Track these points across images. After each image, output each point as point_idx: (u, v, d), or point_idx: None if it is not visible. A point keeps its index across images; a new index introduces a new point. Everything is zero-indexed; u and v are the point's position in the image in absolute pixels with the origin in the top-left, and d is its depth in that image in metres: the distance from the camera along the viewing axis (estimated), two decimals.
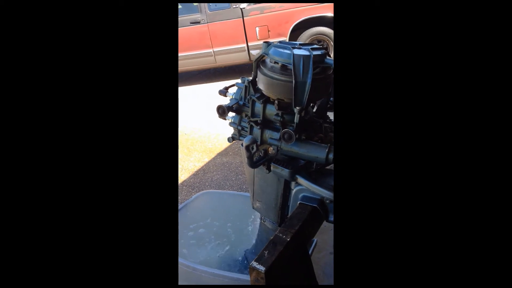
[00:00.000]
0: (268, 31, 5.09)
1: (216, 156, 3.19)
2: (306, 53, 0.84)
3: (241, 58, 5.33)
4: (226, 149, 3.29)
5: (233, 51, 5.23)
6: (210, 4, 5.01)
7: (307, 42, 4.85)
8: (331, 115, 0.95)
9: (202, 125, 3.90)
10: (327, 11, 4.96)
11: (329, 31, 5.05)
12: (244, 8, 5.00)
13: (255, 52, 5.21)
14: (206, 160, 3.16)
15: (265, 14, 5.03)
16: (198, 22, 5.08)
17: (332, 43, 5.09)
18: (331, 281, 1.75)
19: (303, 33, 5.06)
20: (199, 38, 5.14)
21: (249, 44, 5.18)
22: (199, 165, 3.08)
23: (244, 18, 5.06)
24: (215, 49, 5.22)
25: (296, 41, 4.92)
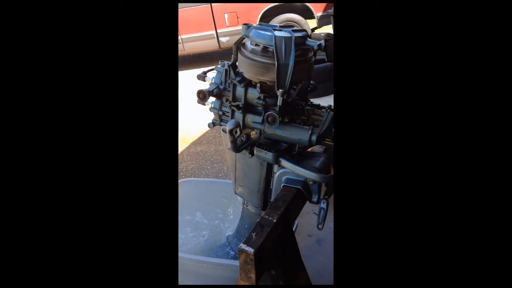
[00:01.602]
0: (237, 17, 5.03)
1: (190, 146, 3.15)
2: (287, 35, 0.84)
3: (210, 45, 5.23)
4: (199, 138, 3.25)
5: (201, 38, 5.12)
6: None
7: None
8: (324, 102, 0.95)
9: None
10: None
11: (298, 17, 5.07)
12: None
13: (224, 40, 5.14)
14: (180, 149, 3.10)
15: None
16: None
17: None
18: (307, 263, 1.81)
19: (273, 19, 5.05)
20: None
21: (218, 31, 5.09)
22: None
23: (212, 4, 4.96)
24: (182, 37, 5.08)
25: None
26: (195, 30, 5.05)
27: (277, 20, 5.04)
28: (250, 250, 0.76)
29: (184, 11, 4.93)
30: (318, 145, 0.99)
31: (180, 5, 4.89)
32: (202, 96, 0.98)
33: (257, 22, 4.96)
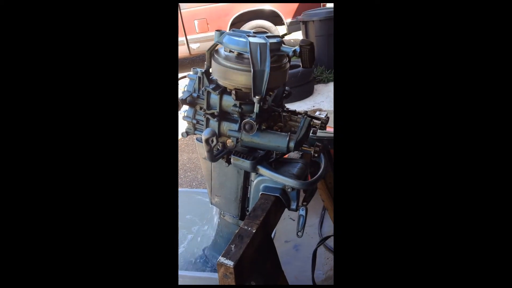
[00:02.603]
0: (207, 24, 5.00)
1: None
2: (262, 41, 0.83)
3: (180, 52, 5.16)
4: None
5: None
6: None
7: None
8: (296, 107, 0.95)
9: None
10: (266, 4, 5.01)
11: (268, 24, 5.11)
12: None
13: (195, 46, 5.09)
14: None
15: (204, 7, 4.93)
16: None
17: None
18: (284, 269, 1.80)
19: (243, 26, 5.06)
20: None
21: (188, 37, 5.03)
22: None
23: (182, 10, 4.90)
24: None
25: None
26: None
27: (247, 27, 5.05)
28: (230, 263, 0.73)
29: None
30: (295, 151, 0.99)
31: None
32: None
33: (228, 29, 4.97)
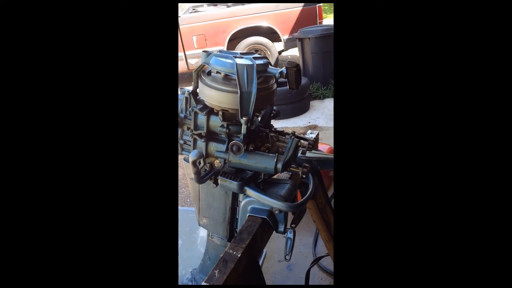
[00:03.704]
0: (206, 40, 5.07)
1: None
2: (249, 62, 0.83)
3: (179, 67, 5.22)
4: None
5: None
6: None
7: (245, 51, 4.91)
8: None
9: None
10: (263, 21, 5.09)
11: (266, 40, 5.18)
12: (179, 16, 4.92)
13: (193, 61, 5.14)
14: None
15: (202, 23, 5.01)
16: None
17: (269, 53, 5.22)
18: None
19: (241, 42, 5.13)
20: None
21: (187, 53, 5.10)
22: None
23: (180, 26, 4.98)
24: None
25: (234, 50, 4.95)
26: None
27: (245, 43, 5.12)
28: None
29: None
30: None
31: None
32: None
33: (225, 45, 5.03)
